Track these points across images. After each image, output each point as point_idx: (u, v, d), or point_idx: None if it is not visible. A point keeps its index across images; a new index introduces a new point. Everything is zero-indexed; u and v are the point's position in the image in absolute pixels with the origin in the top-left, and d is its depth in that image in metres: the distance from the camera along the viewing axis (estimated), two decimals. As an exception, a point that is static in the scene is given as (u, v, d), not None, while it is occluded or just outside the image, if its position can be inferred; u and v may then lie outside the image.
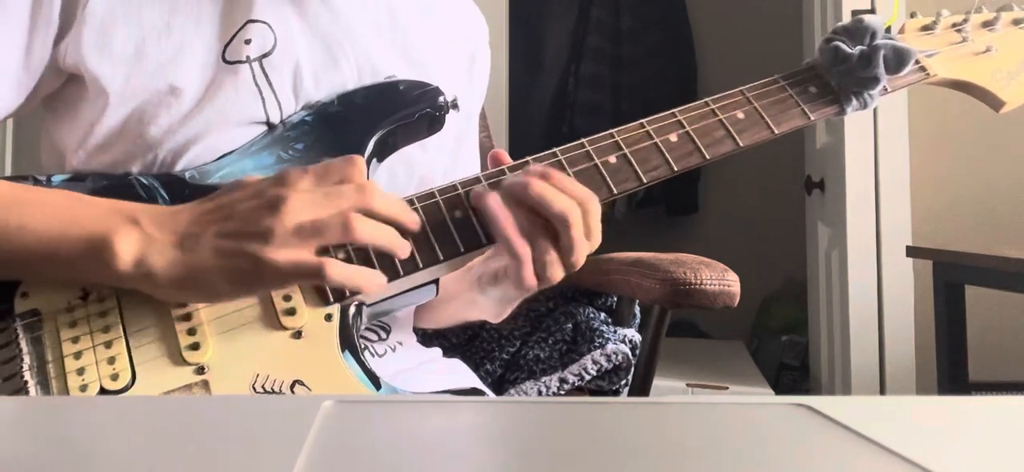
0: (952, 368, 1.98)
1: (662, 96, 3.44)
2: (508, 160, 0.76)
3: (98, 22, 0.76)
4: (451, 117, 0.83)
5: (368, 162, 0.78)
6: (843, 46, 0.82)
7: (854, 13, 2.42)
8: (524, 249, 0.70)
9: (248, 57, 0.78)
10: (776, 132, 0.81)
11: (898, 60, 0.83)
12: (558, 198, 0.70)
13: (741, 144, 0.80)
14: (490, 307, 0.85)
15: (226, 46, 0.78)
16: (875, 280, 2.41)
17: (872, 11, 2.39)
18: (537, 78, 3.56)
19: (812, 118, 0.82)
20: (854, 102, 0.83)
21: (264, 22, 0.80)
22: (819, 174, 2.69)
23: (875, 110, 2.42)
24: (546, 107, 3.56)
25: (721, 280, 0.97)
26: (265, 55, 0.79)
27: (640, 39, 3.61)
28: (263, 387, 0.66)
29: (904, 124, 2.42)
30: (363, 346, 0.82)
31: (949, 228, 2.39)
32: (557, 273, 0.72)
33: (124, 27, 0.76)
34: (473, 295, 0.84)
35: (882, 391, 2.38)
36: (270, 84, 0.78)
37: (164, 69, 0.76)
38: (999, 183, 2.41)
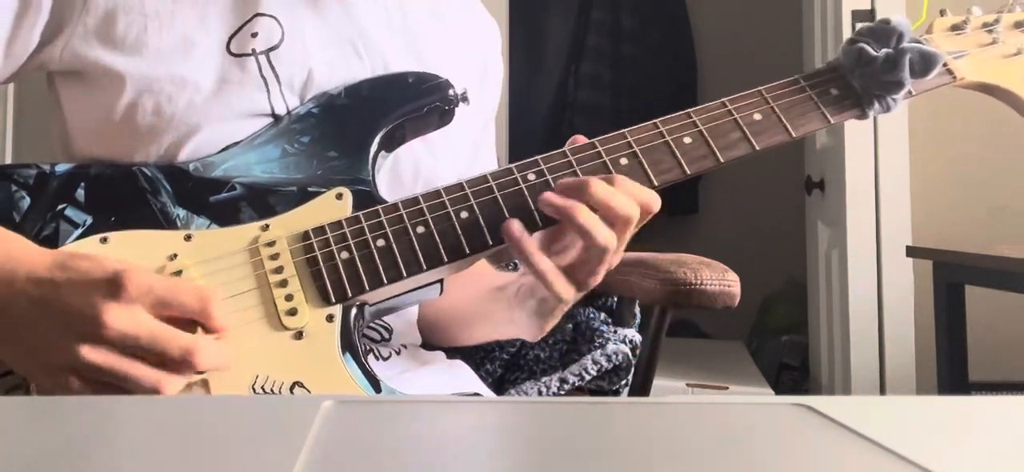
0: (952, 368, 1.98)
1: (662, 96, 3.44)
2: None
3: (101, 13, 0.76)
4: (462, 112, 0.83)
5: (375, 155, 0.78)
6: (868, 48, 0.79)
7: (854, 13, 2.42)
8: (609, 237, 0.69)
9: (254, 50, 0.78)
10: (794, 135, 0.78)
11: (924, 64, 0.79)
12: (620, 198, 0.70)
13: (757, 147, 0.77)
14: (528, 323, 0.82)
15: (231, 37, 0.78)
16: (875, 280, 2.41)
17: (872, 11, 2.39)
18: (537, 78, 3.56)
19: (832, 121, 0.79)
20: (876, 105, 0.80)
21: (272, 16, 0.79)
22: (819, 174, 2.69)
23: (875, 110, 2.41)
24: (546, 107, 3.56)
25: (721, 280, 0.97)
26: (272, 49, 0.79)
27: (640, 39, 3.61)
28: (262, 388, 0.65)
29: (904, 124, 2.42)
30: (367, 348, 0.82)
31: (949, 228, 2.39)
32: (598, 277, 0.71)
33: (126, 16, 0.76)
34: (511, 313, 0.82)
35: (882, 391, 2.38)
36: (277, 78, 0.78)
37: (166, 58, 0.76)
38: (999, 183, 2.41)
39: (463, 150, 0.91)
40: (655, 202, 0.71)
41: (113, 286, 0.59)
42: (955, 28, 0.87)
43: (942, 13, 0.88)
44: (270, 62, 0.78)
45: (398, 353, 0.85)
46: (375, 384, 0.68)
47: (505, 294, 0.83)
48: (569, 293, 0.71)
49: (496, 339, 0.94)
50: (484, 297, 0.87)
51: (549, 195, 0.70)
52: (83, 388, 0.61)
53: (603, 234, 0.68)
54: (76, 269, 0.61)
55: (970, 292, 2.00)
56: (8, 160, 2.46)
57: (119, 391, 0.61)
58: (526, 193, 0.73)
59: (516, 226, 0.69)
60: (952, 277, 1.98)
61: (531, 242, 0.69)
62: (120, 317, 0.59)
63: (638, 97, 3.51)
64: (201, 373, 0.65)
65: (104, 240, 0.70)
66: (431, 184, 0.78)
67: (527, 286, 0.79)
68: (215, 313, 0.62)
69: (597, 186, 0.69)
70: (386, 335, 0.86)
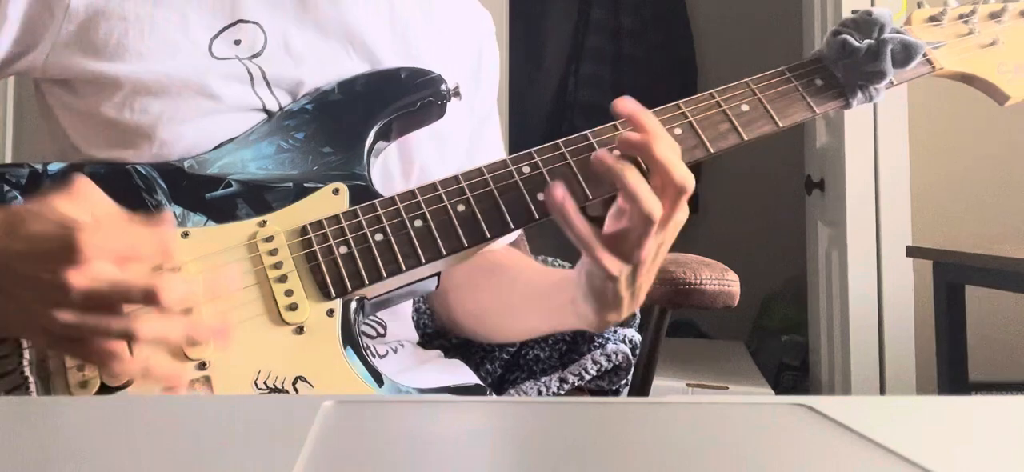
0: (952, 368, 1.98)
1: (662, 96, 3.42)
2: (631, 108, 0.73)
3: (82, 21, 0.76)
4: (455, 106, 0.83)
5: (370, 150, 0.78)
6: (850, 39, 0.80)
7: (854, 12, 2.42)
8: (655, 204, 0.68)
9: (238, 56, 0.78)
10: (780, 125, 0.79)
11: (906, 54, 0.81)
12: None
13: (745, 137, 0.78)
14: (587, 312, 0.77)
15: (213, 40, 0.78)
16: (875, 280, 2.41)
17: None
18: (537, 78, 3.56)
19: (817, 111, 0.81)
20: (859, 95, 0.81)
21: (255, 23, 0.79)
22: (819, 174, 2.69)
23: (875, 110, 2.41)
24: (546, 107, 3.56)
25: (721, 280, 0.97)
26: (255, 55, 0.78)
27: (640, 39, 3.61)
28: (265, 384, 0.66)
29: (904, 124, 2.42)
30: (364, 346, 0.82)
31: (949, 228, 2.39)
32: (644, 250, 0.70)
33: (106, 22, 0.76)
34: (576, 306, 0.78)
35: (882, 391, 2.38)
36: (265, 78, 0.78)
37: (150, 60, 0.75)
38: (999, 182, 2.41)
39: (458, 145, 0.91)
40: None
41: (68, 252, 0.58)
42: (933, 19, 0.89)
43: (920, 5, 0.90)
44: (258, 66, 0.78)
45: (395, 351, 0.86)
46: (377, 377, 0.68)
47: (571, 281, 0.79)
48: (615, 266, 0.69)
49: (555, 331, 0.91)
50: (546, 288, 0.84)
51: (601, 154, 0.69)
52: (72, 347, 0.61)
53: (649, 200, 0.67)
54: (26, 236, 0.60)
55: (970, 292, 2.00)
56: (8, 159, 2.46)
57: (99, 348, 0.60)
58: (521, 185, 0.73)
59: (560, 190, 0.68)
60: (952, 277, 1.98)
61: (573, 207, 0.68)
62: (80, 278, 0.58)
63: (638, 97, 3.50)
64: (202, 369, 0.65)
65: None
66: (426, 178, 0.78)
67: (585, 270, 0.76)
68: (175, 252, 0.62)
69: (661, 146, 0.68)
70: (380, 331, 0.86)
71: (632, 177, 0.68)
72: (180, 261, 0.63)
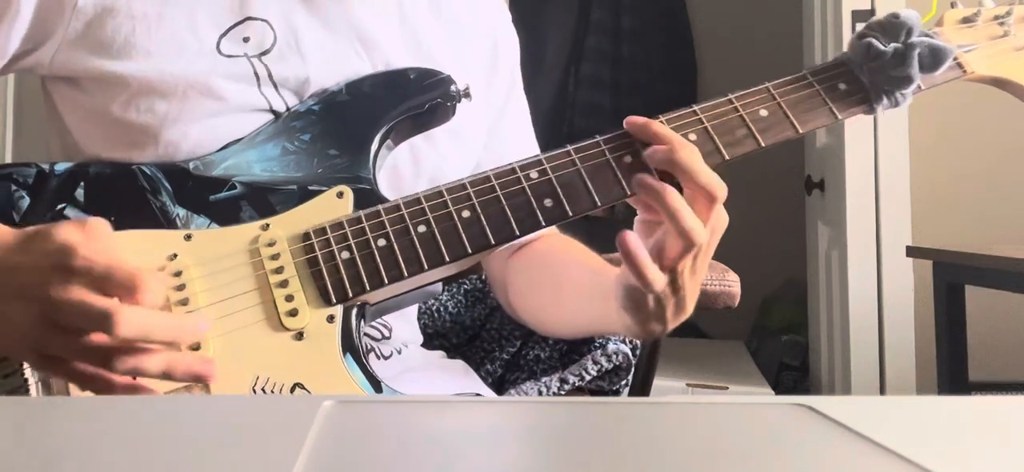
0: (952, 368, 1.98)
1: (662, 96, 3.44)
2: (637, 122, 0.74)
3: (90, 18, 0.75)
4: (468, 106, 0.82)
5: (376, 152, 0.78)
6: (876, 43, 0.78)
7: (854, 13, 2.42)
8: (695, 222, 0.68)
9: (247, 54, 0.78)
10: (801, 131, 0.77)
11: (934, 59, 0.78)
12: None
13: (763, 143, 0.76)
14: (633, 327, 0.77)
15: (221, 38, 0.77)
16: (875, 280, 2.41)
17: (872, 11, 2.39)
18: (537, 78, 3.56)
19: (840, 117, 0.78)
20: (885, 100, 0.79)
21: (263, 20, 0.79)
22: (819, 174, 2.69)
23: (875, 110, 2.42)
24: (546, 107, 3.56)
25: (721, 280, 0.97)
26: (264, 53, 0.78)
27: (640, 39, 3.61)
28: (263, 390, 0.65)
29: (904, 124, 2.42)
30: (368, 348, 0.82)
31: (949, 228, 2.39)
32: (676, 254, 0.70)
33: (114, 19, 0.76)
34: (612, 313, 0.77)
35: (882, 391, 2.38)
36: (271, 77, 0.78)
37: (157, 58, 0.75)
38: (999, 183, 2.41)
39: (475, 141, 0.90)
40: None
41: (58, 267, 0.59)
42: (966, 21, 0.86)
43: (953, 5, 0.87)
44: (264, 63, 0.78)
45: (399, 352, 0.85)
46: (376, 385, 0.67)
47: (613, 289, 0.78)
48: (659, 281, 0.69)
49: (605, 333, 0.91)
50: (596, 293, 0.81)
51: (643, 177, 0.70)
52: (57, 366, 0.61)
53: (690, 220, 0.68)
54: (30, 251, 0.61)
55: (970, 292, 2.00)
56: (8, 158, 2.46)
57: (79, 371, 0.61)
58: (528, 192, 0.72)
59: (633, 238, 0.68)
60: (952, 277, 1.98)
61: (646, 255, 0.68)
62: (60, 291, 0.58)
63: (638, 97, 3.51)
64: (194, 377, 0.64)
65: None
66: (436, 181, 0.77)
67: (622, 282, 0.75)
68: (146, 291, 0.59)
69: (683, 152, 0.70)
70: (386, 333, 0.85)
71: (673, 198, 0.68)
72: (157, 296, 0.61)
